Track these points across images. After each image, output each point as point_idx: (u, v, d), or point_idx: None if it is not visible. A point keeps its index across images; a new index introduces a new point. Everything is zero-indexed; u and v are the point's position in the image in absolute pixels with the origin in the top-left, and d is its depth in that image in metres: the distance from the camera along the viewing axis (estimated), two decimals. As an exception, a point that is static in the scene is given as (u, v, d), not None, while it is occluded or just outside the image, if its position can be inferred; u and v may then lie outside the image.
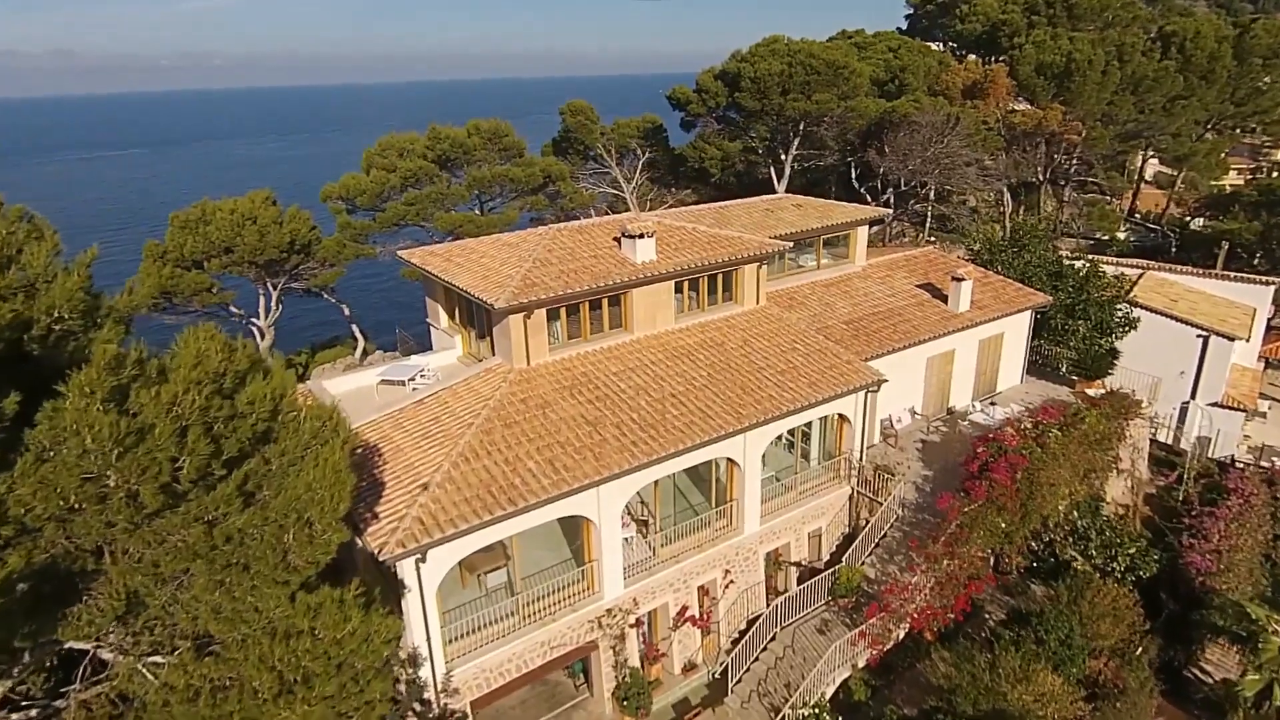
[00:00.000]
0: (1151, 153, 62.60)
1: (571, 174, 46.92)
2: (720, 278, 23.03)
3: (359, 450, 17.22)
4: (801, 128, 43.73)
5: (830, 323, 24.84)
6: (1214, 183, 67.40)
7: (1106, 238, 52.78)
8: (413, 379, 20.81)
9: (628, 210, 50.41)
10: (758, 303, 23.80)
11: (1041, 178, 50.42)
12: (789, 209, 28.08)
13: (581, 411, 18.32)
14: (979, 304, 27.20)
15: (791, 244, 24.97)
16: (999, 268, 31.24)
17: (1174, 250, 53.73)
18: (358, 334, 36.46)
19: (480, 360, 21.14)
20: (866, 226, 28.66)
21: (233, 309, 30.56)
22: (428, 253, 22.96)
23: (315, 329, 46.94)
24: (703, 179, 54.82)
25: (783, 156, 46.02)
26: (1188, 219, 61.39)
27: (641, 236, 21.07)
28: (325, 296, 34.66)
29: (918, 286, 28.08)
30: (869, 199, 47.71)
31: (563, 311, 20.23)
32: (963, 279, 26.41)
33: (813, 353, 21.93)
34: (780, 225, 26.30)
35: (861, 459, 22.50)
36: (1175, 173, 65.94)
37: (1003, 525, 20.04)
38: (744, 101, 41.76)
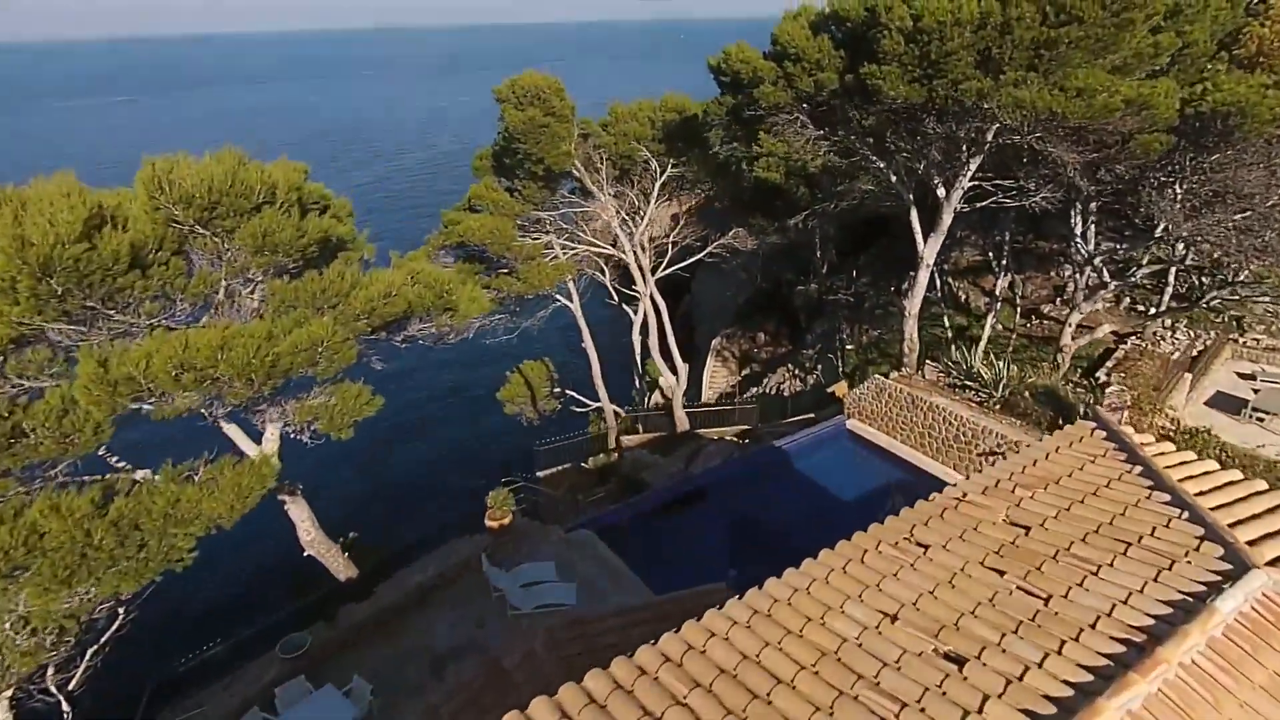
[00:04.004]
0: None
1: (523, 215, 24.48)
2: None
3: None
4: (990, 136, 20.70)
5: None
6: None
7: None
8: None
9: (629, 280, 28.35)
10: None
11: None
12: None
13: None
14: None
15: None
16: None
17: None
18: None
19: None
20: None
21: None
22: None
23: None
24: (768, 210, 31.76)
25: (940, 190, 23.10)
26: None
27: None
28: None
29: None
30: (1103, 276, 24.97)
31: None
32: None
33: None
34: None
35: None
36: None
37: None
38: (885, 85, 18.74)
